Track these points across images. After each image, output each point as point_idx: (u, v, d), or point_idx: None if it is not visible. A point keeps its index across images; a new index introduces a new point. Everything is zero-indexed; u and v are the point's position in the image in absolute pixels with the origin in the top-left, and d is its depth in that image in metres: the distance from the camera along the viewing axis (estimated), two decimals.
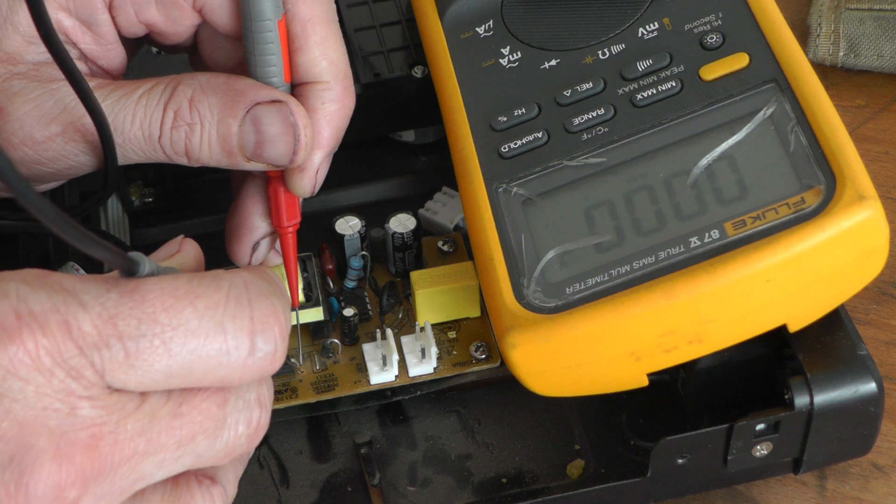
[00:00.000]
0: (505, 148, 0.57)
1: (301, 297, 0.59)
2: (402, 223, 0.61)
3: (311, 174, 0.54)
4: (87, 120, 0.53)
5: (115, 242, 0.62)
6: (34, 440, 0.40)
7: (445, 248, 0.63)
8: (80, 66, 0.55)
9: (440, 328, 0.60)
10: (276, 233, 0.56)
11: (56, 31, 0.50)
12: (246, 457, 0.49)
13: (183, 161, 0.54)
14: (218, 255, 0.57)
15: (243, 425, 0.45)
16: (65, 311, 0.41)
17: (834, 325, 0.55)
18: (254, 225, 0.56)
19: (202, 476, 0.46)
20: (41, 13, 0.48)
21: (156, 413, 0.43)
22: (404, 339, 0.60)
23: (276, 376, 0.56)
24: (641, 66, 0.57)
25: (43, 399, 0.41)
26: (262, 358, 0.44)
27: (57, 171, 0.55)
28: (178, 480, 0.45)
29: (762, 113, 0.54)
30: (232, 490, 0.47)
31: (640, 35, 0.59)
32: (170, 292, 0.43)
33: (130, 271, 0.43)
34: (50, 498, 0.41)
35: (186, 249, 0.48)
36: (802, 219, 0.51)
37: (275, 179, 0.55)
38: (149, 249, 0.47)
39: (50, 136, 0.53)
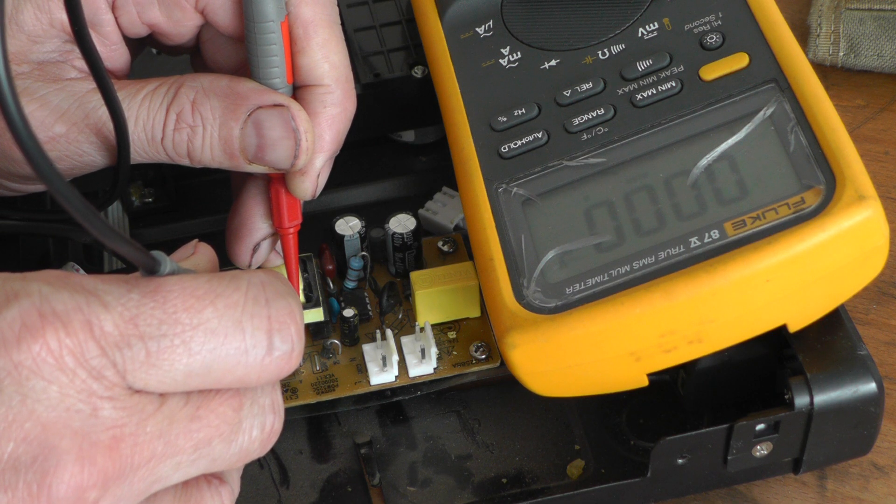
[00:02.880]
0: (505, 148, 0.57)
1: (301, 298, 0.59)
2: (402, 223, 0.61)
3: (312, 177, 0.54)
4: (92, 119, 0.53)
5: None
6: (57, 441, 0.41)
7: (445, 248, 0.63)
8: (84, 66, 0.55)
9: (440, 328, 0.60)
10: (276, 234, 0.56)
11: (88, 28, 0.50)
12: None
13: (185, 162, 0.54)
14: (218, 256, 0.56)
15: (257, 430, 0.45)
16: (87, 311, 0.41)
17: (834, 325, 0.55)
18: (255, 226, 0.56)
19: (211, 476, 0.46)
20: (76, 9, 0.49)
21: (174, 416, 0.43)
22: (404, 340, 0.60)
23: None
24: (641, 66, 0.57)
25: (66, 400, 0.41)
26: (280, 357, 0.44)
27: (60, 170, 0.55)
28: (188, 481, 0.45)
29: (762, 113, 0.54)
30: (237, 487, 0.48)
31: (640, 35, 0.59)
32: (191, 292, 0.43)
33: (152, 270, 0.43)
34: (71, 499, 0.41)
35: (201, 252, 0.48)
36: (802, 219, 0.51)
37: (276, 181, 0.55)
38: (149, 250, 0.47)
39: (54, 136, 0.53)
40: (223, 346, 0.43)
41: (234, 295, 0.44)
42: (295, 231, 0.56)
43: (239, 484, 0.48)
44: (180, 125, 0.53)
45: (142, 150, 0.54)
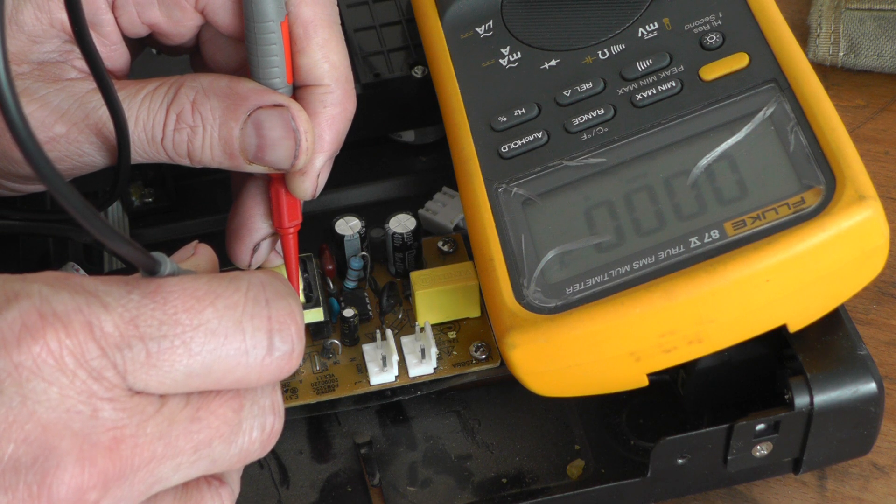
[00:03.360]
0: (505, 148, 0.57)
1: (301, 298, 0.59)
2: (402, 223, 0.61)
3: (312, 177, 0.54)
4: (92, 119, 0.53)
5: None
6: (57, 442, 0.41)
7: (445, 248, 0.63)
8: (84, 66, 0.55)
9: (440, 328, 0.60)
10: (276, 234, 0.56)
11: (88, 28, 0.50)
12: None
13: (185, 162, 0.54)
14: (218, 256, 0.56)
15: (258, 431, 0.45)
16: (87, 312, 0.41)
17: (834, 325, 0.55)
18: (255, 226, 0.56)
19: (211, 477, 0.46)
20: (76, 9, 0.49)
21: (175, 417, 0.43)
22: (404, 340, 0.60)
23: None
24: (641, 66, 0.57)
25: (66, 401, 0.41)
26: (280, 357, 0.44)
27: (60, 170, 0.55)
28: (188, 482, 0.45)
29: (762, 113, 0.54)
30: (237, 488, 0.48)
31: (640, 35, 0.59)
32: (191, 293, 0.43)
33: (152, 271, 0.43)
34: (72, 500, 0.41)
35: (201, 253, 0.48)
36: (802, 219, 0.51)
37: (276, 181, 0.55)
38: (149, 250, 0.47)
39: (54, 137, 0.53)
40: (223, 347, 0.43)
41: (234, 295, 0.44)
42: (295, 231, 0.56)
43: (239, 484, 0.48)
44: (180, 125, 0.53)
45: (142, 150, 0.54)
